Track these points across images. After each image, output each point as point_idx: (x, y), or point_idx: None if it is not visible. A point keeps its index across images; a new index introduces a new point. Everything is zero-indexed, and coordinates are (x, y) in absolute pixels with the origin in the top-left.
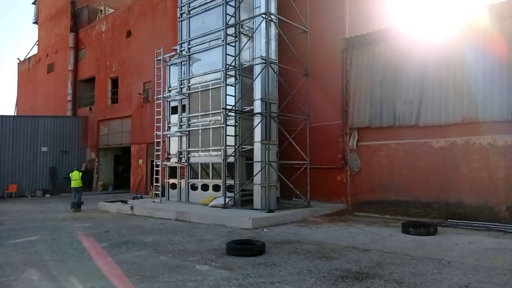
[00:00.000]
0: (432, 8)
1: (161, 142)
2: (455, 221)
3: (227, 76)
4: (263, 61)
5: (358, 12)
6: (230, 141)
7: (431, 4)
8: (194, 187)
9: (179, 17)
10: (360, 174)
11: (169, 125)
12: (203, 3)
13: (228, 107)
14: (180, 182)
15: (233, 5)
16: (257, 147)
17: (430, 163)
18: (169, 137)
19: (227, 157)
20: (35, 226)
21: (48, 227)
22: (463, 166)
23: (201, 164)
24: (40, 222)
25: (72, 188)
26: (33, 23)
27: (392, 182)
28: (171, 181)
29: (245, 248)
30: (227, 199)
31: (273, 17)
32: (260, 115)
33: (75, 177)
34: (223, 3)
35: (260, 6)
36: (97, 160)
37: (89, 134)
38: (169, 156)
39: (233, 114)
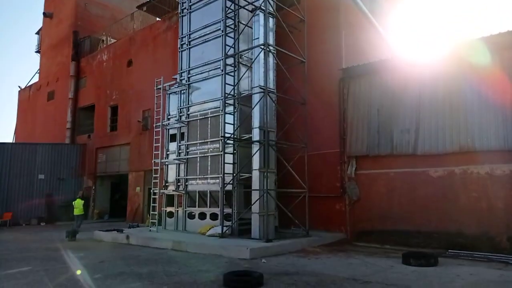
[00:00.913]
0: (427, 39)
1: (159, 170)
2: (456, 251)
3: (226, 104)
4: (262, 90)
5: (354, 43)
6: (228, 169)
7: (426, 35)
8: (191, 216)
9: (179, 48)
10: (359, 203)
11: (168, 152)
12: (203, 34)
13: (226, 135)
14: (177, 211)
15: (232, 36)
16: (255, 175)
17: (429, 192)
18: (167, 165)
19: (225, 185)
20: (28, 256)
21: (41, 257)
22: (462, 196)
23: (198, 192)
24: (33, 251)
25: (75, 215)
26: (36, 52)
27: (392, 211)
28: (168, 209)
29: (242, 280)
30: (224, 228)
31: (271, 48)
32: (258, 143)
33: (78, 205)
34: (222, 35)
35: (258, 38)
36: (94, 188)
37: (87, 161)
38: (166, 184)
39: (232, 142)
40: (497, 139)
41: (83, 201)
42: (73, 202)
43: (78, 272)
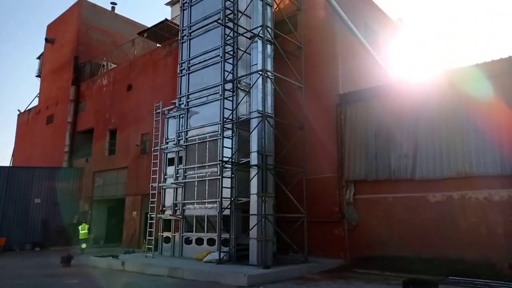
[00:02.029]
0: (423, 65)
1: (156, 194)
2: (457, 278)
3: (224, 129)
4: (260, 114)
5: (350, 69)
6: (226, 193)
7: (422, 61)
8: (188, 241)
9: (179, 73)
10: (358, 228)
11: (165, 176)
12: (202, 60)
13: (224, 159)
14: (174, 236)
15: (231, 62)
16: (253, 200)
17: (429, 218)
18: (165, 189)
19: (223, 209)
20: (21, 283)
21: (35, 284)
22: (461, 221)
23: (196, 216)
24: (27, 278)
25: (80, 239)
26: (36, 76)
27: (391, 237)
28: (165, 234)
29: None
30: (222, 254)
31: (269, 73)
32: (256, 167)
33: (83, 229)
34: (221, 61)
35: (257, 64)
36: (90, 212)
37: (84, 185)
38: (164, 209)
39: (230, 166)
40: (493, 164)
41: (87, 225)
42: (79, 226)
43: None
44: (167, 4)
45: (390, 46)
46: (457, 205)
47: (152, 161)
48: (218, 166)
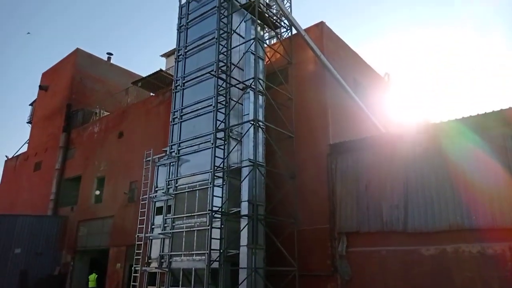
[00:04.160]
0: (411, 116)
1: (142, 245)
2: None
3: (215, 177)
4: (251, 163)
5: (340, 120)
6: (215, 244)
7: (409, 113)
8: None
9: (171, 121)
10: (351, 283)
11: (153, 226)
12: (195, 109)
13: (214, 208)
14: None
15: (224, 112)
16: (243, 252)
17: (423, 272)
18: (151, 240)
19: (211, 262)
20: None
21: None
22: (456, 276)
23: (183, 269)
24: None
25: None
26: (27, 122)
27: None
28: None
29: None
30: None
31: (260, 123)
32: (247, 218)
33: (92, 279)
34: (214, 110)
35: (248, 114)
36: (72, 263)
37: (68, 235)
38: (149, 261)
39: (219, 216)
40: (484, 216)
41: (96, 275)
42: (88, 276)
43: None
44: (162, 55)
45: (378, 99)
46: (451, 259)
47: (140, 210)
48: (208, 216)
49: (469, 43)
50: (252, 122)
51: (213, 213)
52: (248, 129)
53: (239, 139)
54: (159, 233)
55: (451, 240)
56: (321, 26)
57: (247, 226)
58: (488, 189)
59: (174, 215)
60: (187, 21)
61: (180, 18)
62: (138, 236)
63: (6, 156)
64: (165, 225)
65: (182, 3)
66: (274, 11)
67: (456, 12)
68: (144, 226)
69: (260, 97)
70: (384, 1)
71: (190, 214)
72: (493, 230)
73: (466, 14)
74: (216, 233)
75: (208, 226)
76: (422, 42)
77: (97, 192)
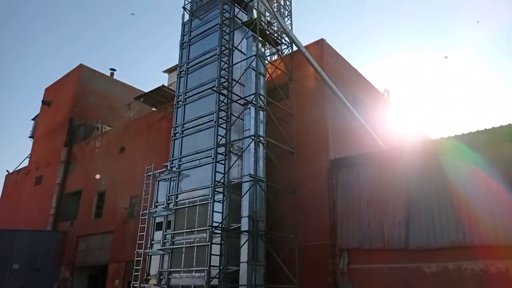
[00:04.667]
0: (410, 132)
1: (141, 261)
2: None
3: (215, 192)
4: (251, 178)
5: (340, 136)
6: (215, 260)
7: (409, 128)
8: None
9: (172, 136)
10: None
11: (152, 242)
12: (196, 124)
13: (214, 224)
14: None
15: (225, 127)
16: (243, 269)
17: None
18: (151, 256)
19: (211, 279)
20: None
21: None
22: None
23: (182, 286)
24: None
25: None
26: (29, 137)
27: None
28: None
29: None
30: None
31: (261, 138)
32: (247, 233)
33: None
34: (215, 125)
35: (249, 129)
36: (70, 279)
37: (67, 250)
38: (148, 278)
39: (220, 231)
40: (487, 233)
41: None
42: None
43: None
44: (164, 71)
45: (378, 115)
46: (454, 277)
47: (140, 225)
48: (208, 231)
49: (467, 68)
50: (253, 137)
51: (213, 229)
52: (249, 144)
53: (240, 154)
54: (158, 249)
55: (453, 257)
56: (321, 43)
57: (247, 242)
58: (489, 206)
59: (174, 230)
60: (190, 38)
61: (182, 35)
62: (137, 252)
63: (7, 171)
64: (165, 240)
65: (185, 20)
66: (275, 28)
67: (456, 40)
68: (143, 241)
69: (261, 112)
70: (386, 28)
71: (190, 230)
72: (496, 248)
73: (466, 42)
74: (216, 249)
75: (208, 242)
76: (422, 63)
77: (97, 176)
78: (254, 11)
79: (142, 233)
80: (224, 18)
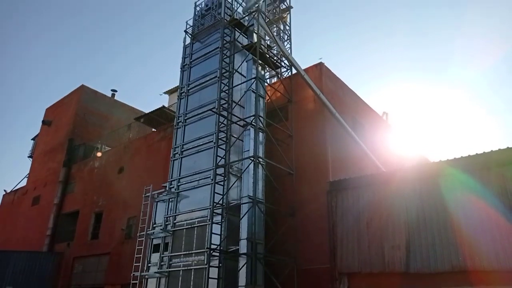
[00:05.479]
0: (409, 155)
1: (137, 284)
2: None
3: (214, 214)
4: (250, 200)
5: (340, 157)
6: (213, 284)
7: (408, 151)
8: None
9: (172, 157)
10: None
11: (149, 264)
12: (196, 145)
13: (212, 246)
14: None
15: (224, 148)
16: None
17: None
18: (147, 278)
19: None
20: None
21: None
22: None
23: None
24: None
25: None
26: (28, 157)
27: None
28: None
29: None
30: None
31: (260, 160)
32: (245, 256)
33: None
34: (214, 146)
35: (248, 150)
36: None
37: (62, 272)
38: None
39: (218, 254)
40: (488, 258)
41: None
42: None
43: None
44: (165, 92)
45: (377, 138)
46: None
47: (137, 247)
48: (205, 254)
49: (461, 104)
50: (252, 159)
51: (211, 251)
52: (248, 166)
53: (239, 175)
54: (155, 272)
55: (455, 282)
56: (320, 66)
57: (245, 265)
58: (490, 230)
59: (171, 252)
60: (191, 60)
61: (184, 58)
62: (133, 274)
63: (5, 191)
64: (162, 263)
65: (186, 43)
66: (275, 51)
67: (450, 77)
68: (140, 264)
69: (261, 134)
70: (387, 64)
71: (187, 252)
72: (498, 272)
73: (460, 80)
74: (214, 272)
75: (206, 264)
76: (419, 93)
77: (99, 154)
78: (254, 35)
79: (139, 255)
80: (225, 41)
